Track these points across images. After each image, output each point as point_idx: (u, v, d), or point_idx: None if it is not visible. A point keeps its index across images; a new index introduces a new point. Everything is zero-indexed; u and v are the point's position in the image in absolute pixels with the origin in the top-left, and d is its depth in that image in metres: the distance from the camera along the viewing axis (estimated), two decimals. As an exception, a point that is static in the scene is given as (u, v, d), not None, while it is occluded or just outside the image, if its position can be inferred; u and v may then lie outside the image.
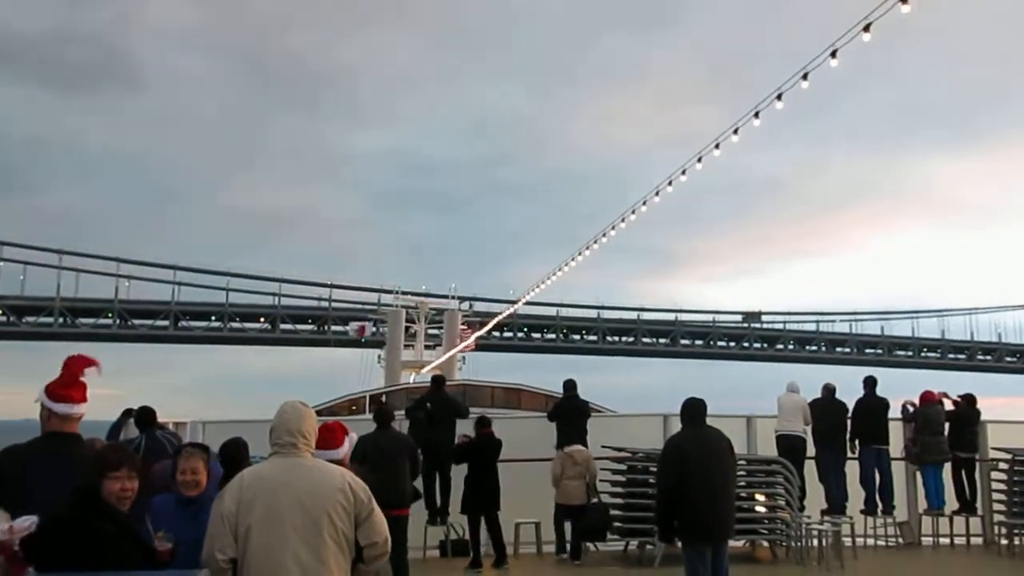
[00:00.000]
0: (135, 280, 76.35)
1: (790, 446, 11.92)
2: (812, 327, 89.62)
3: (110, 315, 74.85)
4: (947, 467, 12.36)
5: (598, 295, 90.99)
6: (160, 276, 76.74)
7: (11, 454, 4.54)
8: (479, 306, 73.94)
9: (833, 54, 10.80)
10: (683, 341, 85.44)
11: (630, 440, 11.64)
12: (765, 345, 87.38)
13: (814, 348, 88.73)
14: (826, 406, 12.37)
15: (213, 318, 78.41)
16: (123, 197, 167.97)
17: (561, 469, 11.03)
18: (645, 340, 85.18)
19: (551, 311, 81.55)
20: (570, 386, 12.15)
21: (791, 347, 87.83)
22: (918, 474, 12.50)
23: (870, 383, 12.54)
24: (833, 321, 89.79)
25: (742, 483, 10.70)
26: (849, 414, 12.33)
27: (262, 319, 79.16)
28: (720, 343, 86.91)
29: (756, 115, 11.94)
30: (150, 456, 6.75)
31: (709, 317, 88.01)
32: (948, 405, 12.60)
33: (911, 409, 12.54)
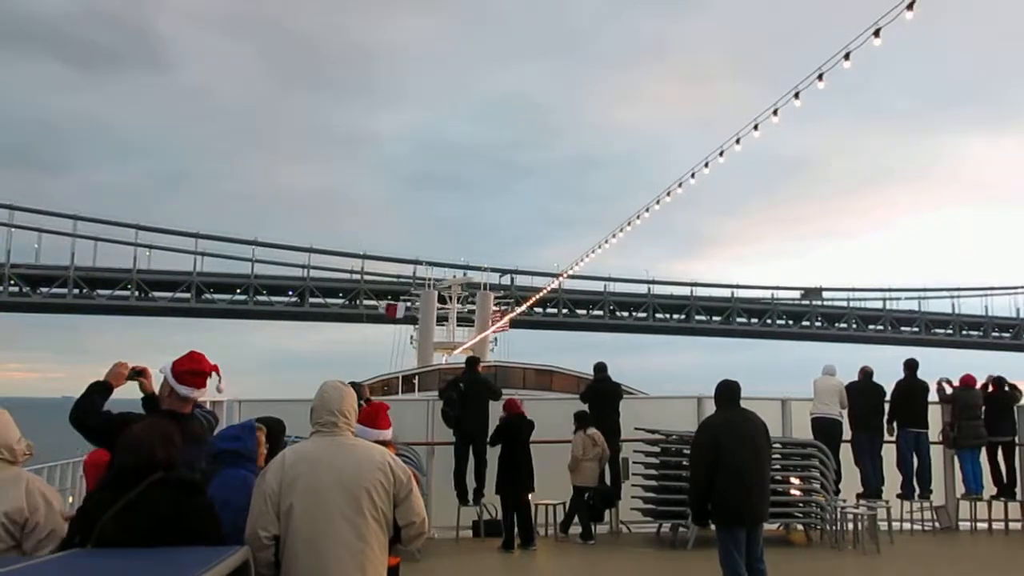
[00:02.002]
0: (155, 250, 72.28)
1: (826, 429, 11.87)
2: (877, 305, 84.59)
3: (128, 286, 70.97)
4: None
5: (647, 271, 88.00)
6: (181, 245, 72.51)
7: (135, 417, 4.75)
8: (521, 280, 71.84)
9: (876, 33, 10.61)
10: (739, 319, 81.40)
11: (663, 423, 11.69)
12: (826, 324, 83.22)
13: (880, 327, 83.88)
14: (863, 389, 12.34)
15: (238, 291, 74.05)
16: (142, 176, 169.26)
17: (583, 450, 11.20)
18: (698, 318, 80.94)
19: (598, 286, 77.64)
20: (601, 368, 12.23)
21: (855, 326, 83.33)
22: (956, 458, 12.43)
23: (911, 366, 12.49)
24: (898, 299, 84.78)
25: (777, 466, 10.68)
26: (887, 397, 12.31)
27: (290, 292, 74.86)
28: (779, 321, 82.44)
29: (796, 95, 11.81)
30: None
31: (767, 294, 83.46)
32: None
33: (948, 388, 12.46)
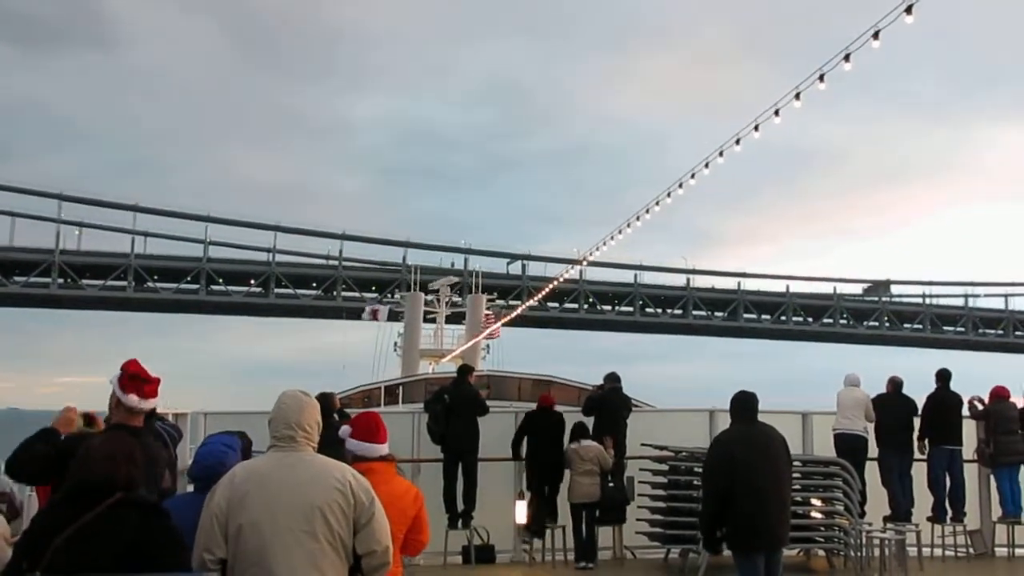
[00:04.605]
0: (87, 228, 61.67)
1: (850, 446, 11.52)
2: (956, 302, 76.46)
3: (50, 271, 60.11)
4: (1024, 470, 11.92)
5: (685, 259, 77.72)
6: (118, 222, 61.60)
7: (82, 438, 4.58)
8: (533, 269, 66.37)
9: (908, 10, 10.20)
10: (795, 318, 73.98)
11: (672, 439, 11.43)
12: (895, 324, 75.72)
13: (961, 329, 76.14)
14: (891, 402, 11.94)
15: (188, 278, 62.82)
16: (89, 164, 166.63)
17: (569, 465, 11.02)
18: (746, 316, 73.18)
19: (626, 277, 69.96)
20: (614, 378, 11.93)
21: (929, 328, 75.60)
22: (992, 477, 12.05)
23: (944, 376, 12.15)
24: (977, 296, 76.87)
25: (797, 486, 10.22)
26: (918, 411, 11.94)
27: (252, 281, 64.62)
28: (841, 321, 74.84)
29: (821, 78, 11.44)
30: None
31: (828, 288, 74.89)
32: None
33: (979, 406, 12.14)
